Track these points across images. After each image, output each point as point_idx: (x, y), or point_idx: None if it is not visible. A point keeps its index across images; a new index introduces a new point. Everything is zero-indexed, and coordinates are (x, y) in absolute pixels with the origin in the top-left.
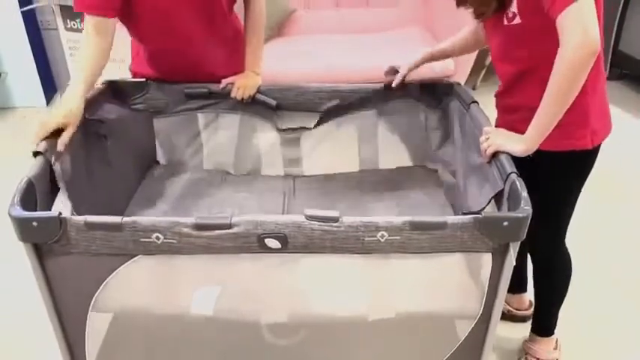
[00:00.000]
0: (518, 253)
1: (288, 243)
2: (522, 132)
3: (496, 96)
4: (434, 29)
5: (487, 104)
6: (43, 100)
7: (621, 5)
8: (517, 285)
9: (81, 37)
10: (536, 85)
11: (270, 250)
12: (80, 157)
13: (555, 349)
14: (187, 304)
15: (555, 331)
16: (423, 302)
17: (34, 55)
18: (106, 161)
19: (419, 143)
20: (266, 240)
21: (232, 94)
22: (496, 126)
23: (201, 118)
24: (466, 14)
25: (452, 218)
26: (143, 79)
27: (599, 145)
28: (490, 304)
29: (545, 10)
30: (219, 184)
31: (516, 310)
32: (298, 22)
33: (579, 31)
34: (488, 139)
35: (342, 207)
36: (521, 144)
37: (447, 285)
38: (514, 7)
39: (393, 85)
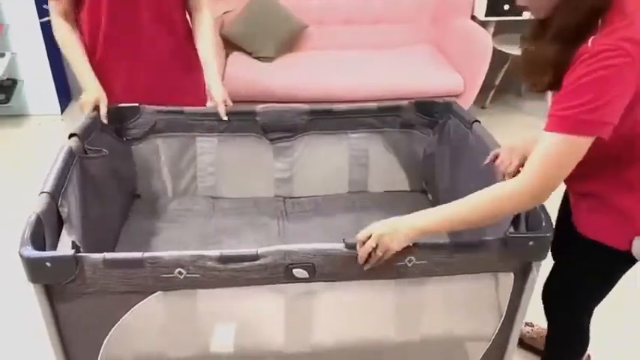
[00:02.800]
0: None
1: (316, 272)
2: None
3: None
4: (444, 46)
5: (496, 125)
6: (58, 108)
7: None
8: None
9: None
10: (612, 171)
11: (297, 280)
12: (76, 194)
13: None
14: (204, 343)
15: None
16: (447, 324)
17: (50, 64)
18: (97, 196)
19: (411, 165)
20: (294, 270)
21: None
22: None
23: (183, 142)
24: (474, 33)
25: (484, 240)
26: (136, 104)
27: None
28: (509, 326)
29: None
30: (209, 212)
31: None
32: (310, 38)
33: (536, 184)
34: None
35: (339, 229)
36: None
37: (471, 306)
38: None
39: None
